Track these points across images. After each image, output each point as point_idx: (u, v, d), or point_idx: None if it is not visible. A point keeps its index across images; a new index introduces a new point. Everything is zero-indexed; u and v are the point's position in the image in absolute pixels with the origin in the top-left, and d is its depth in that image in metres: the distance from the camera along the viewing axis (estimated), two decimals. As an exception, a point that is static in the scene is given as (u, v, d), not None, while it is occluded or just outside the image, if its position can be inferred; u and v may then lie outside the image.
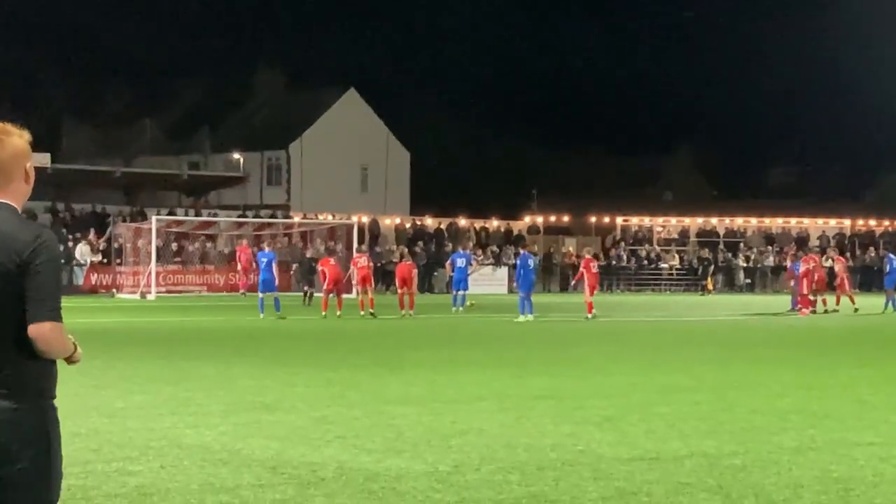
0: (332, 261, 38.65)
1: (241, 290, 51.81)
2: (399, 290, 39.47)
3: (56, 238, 5.45)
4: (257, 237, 57.24)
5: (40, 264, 5.24)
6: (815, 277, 42.72)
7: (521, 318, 35.36)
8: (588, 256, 40.68)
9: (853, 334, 33.10)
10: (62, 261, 6.31)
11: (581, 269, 39.94)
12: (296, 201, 75.75)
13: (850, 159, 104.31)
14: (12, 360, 5.21)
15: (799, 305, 42.31)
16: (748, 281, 69.07)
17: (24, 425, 5.19)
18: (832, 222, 76.09)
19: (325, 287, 37.57)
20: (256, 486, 10.13)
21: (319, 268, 39.79)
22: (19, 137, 5.47)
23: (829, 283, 47.43)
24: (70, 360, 5.49)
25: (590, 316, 37.43)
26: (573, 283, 41.91)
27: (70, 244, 53.81)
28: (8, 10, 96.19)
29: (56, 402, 5.40)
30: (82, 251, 53.50)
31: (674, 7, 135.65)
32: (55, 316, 5.26)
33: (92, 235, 55.23)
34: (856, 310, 42.25)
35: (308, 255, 57.99)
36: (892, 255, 45.00)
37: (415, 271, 40.78)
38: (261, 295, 36.66)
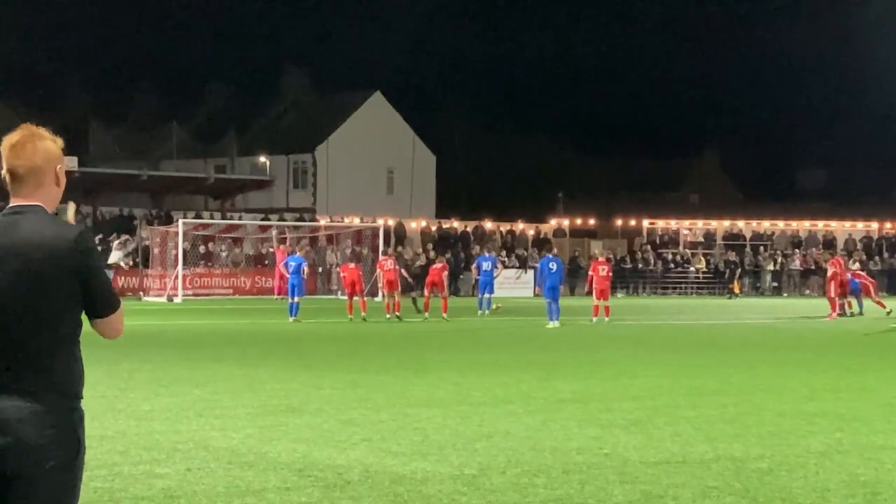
0: (351, 265, 38.70)
1: (277, 296, 51.82)
2: (426, 293, 39.45)
3: (90, 233, 5.54)
4: (284, 241, 57.32)
5: (92, 261, 5.41)
6: (840, 281, 42.53)
7: (549, 325, 34.67)
8: (599, 258, 39.80)
9: (881, 337, 32.94)
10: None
11: (589, 272, 39.38)
12: (322, 204, 75.86)
13: (878, 162, 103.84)
14: (43, 361, 5.26)
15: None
16: (775, 284, 68.88)
17: (53, 426, 5.22)
18: (860, 225, 75.77)
19: (346, 292, 37.75)
20: (283, 488, 10.15)
21: (340, 273, 39.80)
22: (52, 142, 5.53)
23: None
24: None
25: (595, 320, 37.07)
26: (587, 288, 41.28)
27: (99, 247, 54.02)
28: (35, 15, 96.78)
29: (83, 402, 5.43)
30: (118, 256, 53.64)
31: (701, 10, 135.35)
32: (118, 305, 5.51)
33: (123, 239, 55.37)
34: (888, 312, 41.86)
35: (329, 261, 58.18)
36: None
37: (445, 273, 40.65)
38: (291, 299, 36.73)
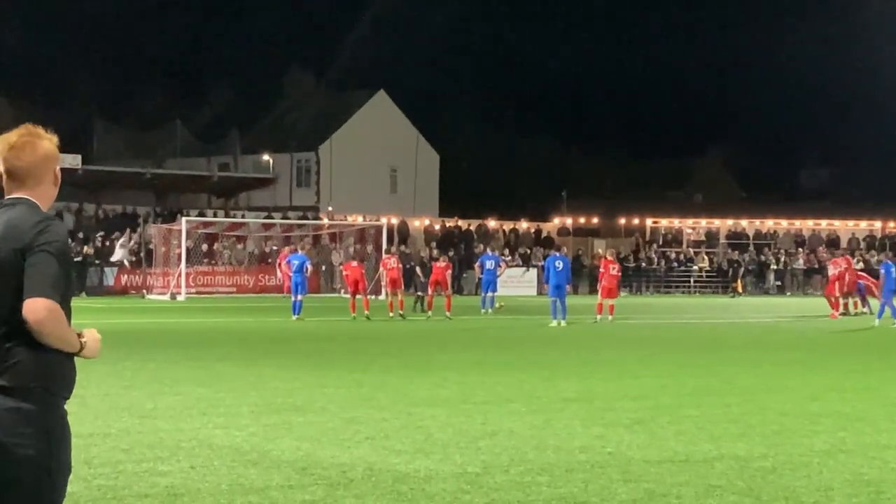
0: (353, 263, 38.71)
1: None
2: (430, 291, 39.47)
3: (64, 227, 5.47)
4: (288, 240, 57.33)
5: (40, 245, 5.25)
6: (847, 280, 42.39)
7: (552, 324, 34.55)
8: (608, 257, 39.61)
9: (884, 337, 32.92)
10: (68, 250, 6.19)
11: (600, 269, 39.48)
12: (325, 203, 75.90)
13: (881, 160, 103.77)
14: (19, 354, 5.21)
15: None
16: (778, 283, 68.84)
17: (27, 422, 5.18)
18: (863, 224, 75.74)
19: (349, 290, 37.73)
20: (286, 486, 10.15)
21: (343, 272, 39.78)
22: (49, 141, 5.52)
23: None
24: (80, 354, 5.36)
25: (599, 317, 37.04)
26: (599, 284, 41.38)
27: (98, 244, 54.03)
28: (40, 11, 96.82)
29: (67, 402, 5.37)
30: (121, 253, 53.68)
31: (704, 10, 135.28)
32: (51, 294, 5.18)
33: (126, 236, 55.38)
34: None
35: (333, 260, 58.21)
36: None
37: (449, 272, 40.67)
38: (294, 298, 36.72)
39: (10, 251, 5.24)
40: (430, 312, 38.34)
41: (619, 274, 39.65)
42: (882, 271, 38.21)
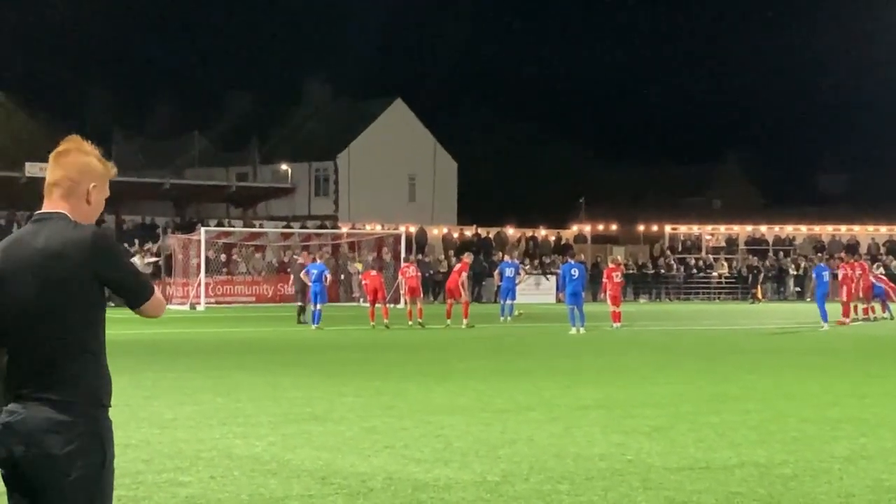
0: (372, 272, 38.67)
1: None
2: (448, 300, 39.43)
3: (109, 230, 5.59)
4: (307, 249, 57.38)
5: (113, 265, 5.40)
6: (863, 285, 42.14)
7: (572, 331, 34.60)
8: (611, 265, 39.87)
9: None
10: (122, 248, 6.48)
11: (604, 279, 39.50)
12: (344, 212, 75.96)
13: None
14: (68, 368, 5.25)
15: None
16: (798, 289, 68.63)
17: (78, 435, 5.22)
18: (883, 229, 75.44)
19: (368, 299, 37.67)
20: (306, 496, 10.16)
21: (362, 281, 39.74)
22: (97, 161, 5.56)
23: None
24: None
25: (616, 326, 37.05)
26: (601, 295, 41.47)
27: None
28: (58, 25, 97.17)
29: (110, 412, 5.43)
30: (139, 265, 53.76)
31: (722, 16, 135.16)
32: (149, 293, 5.56)
33: (148, 246, 55.47)
34: None
35: (350, 269, 58.19)
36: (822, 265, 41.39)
37: (465, 274, 40.55)
38: (313, 307, 36.75)
39: (67, 270, 5.28)
40: (448, 321, 38.24)
41: (623, 281, 39.96)
42: (813, 275, 38.11)
